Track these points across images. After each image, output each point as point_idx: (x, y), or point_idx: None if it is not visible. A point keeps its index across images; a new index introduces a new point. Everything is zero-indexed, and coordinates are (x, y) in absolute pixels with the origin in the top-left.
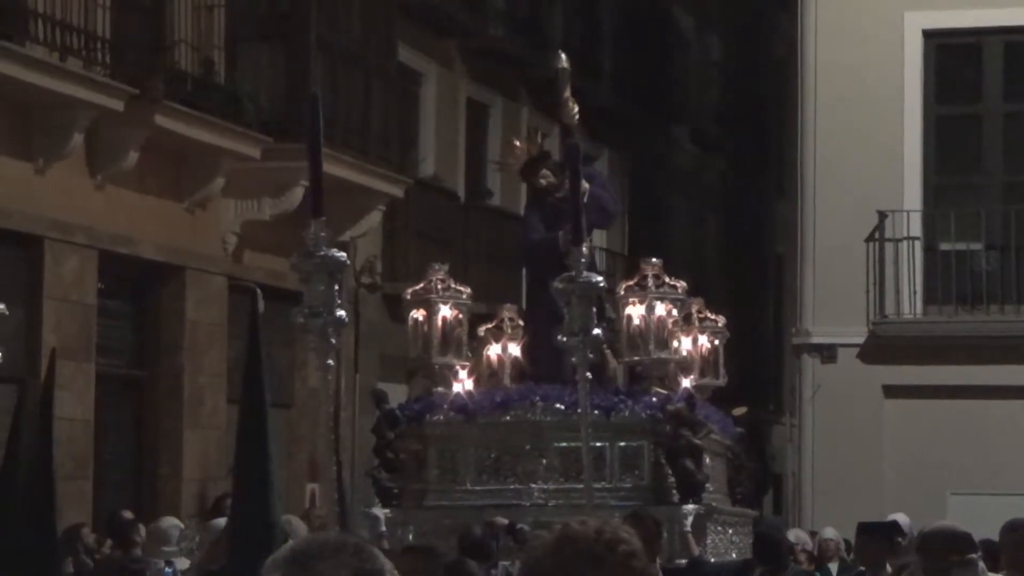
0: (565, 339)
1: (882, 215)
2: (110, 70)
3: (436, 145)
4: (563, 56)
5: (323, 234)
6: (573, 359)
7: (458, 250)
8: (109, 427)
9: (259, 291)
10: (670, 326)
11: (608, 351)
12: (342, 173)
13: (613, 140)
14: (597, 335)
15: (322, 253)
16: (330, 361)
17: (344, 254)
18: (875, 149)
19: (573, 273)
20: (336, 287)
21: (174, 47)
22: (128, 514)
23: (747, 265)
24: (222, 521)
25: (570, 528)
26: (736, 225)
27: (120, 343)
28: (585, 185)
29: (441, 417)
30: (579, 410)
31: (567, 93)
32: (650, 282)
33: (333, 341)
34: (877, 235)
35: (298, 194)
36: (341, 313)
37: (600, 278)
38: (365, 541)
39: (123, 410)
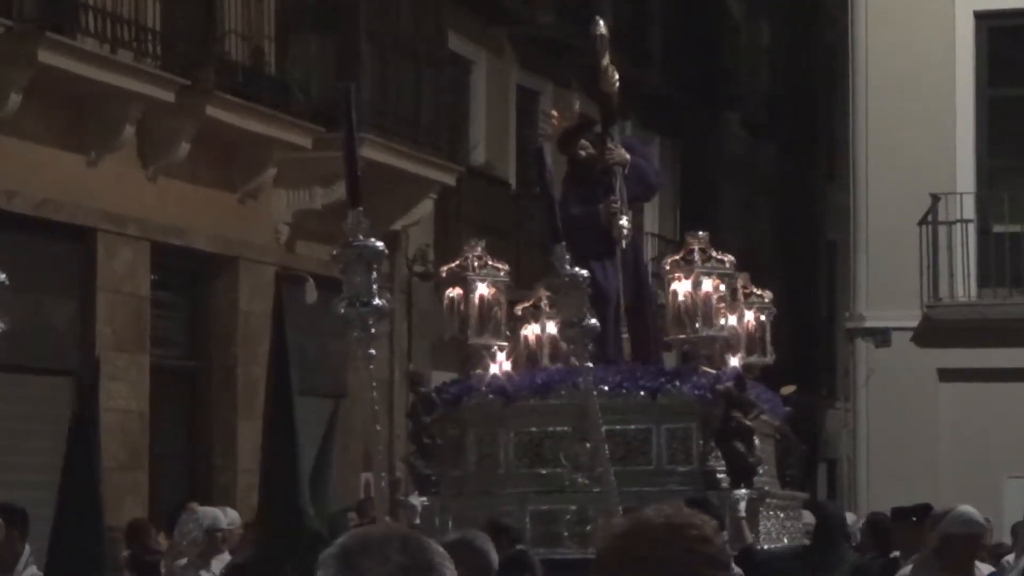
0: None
1: (935, 198)
2: (161, 61)
3: (487, 133)
4: (601, 23)
5: (361, 224)
6: (572, 348)
7: (510, 238)
8: (163, 419)
9: (311, 280)
10: (715, 302)
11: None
12: (393, 162)
13: (664, 127)
14: (593, 325)
15: (360, 243)
16: (372, 350)
17: (382, 243)
18: (927, 132)
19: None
20: (375, 276)
21: (224, 37)
22: (194, 505)
23: (799, 250)
24: (205, 510)
25: (642, 515)
26: (787, 210)
27: (173, 334)
28: (627, 156)
29: (479, 400)
30: (590, 398)
31: (606, 61)
32: (696, 256)
33: (373, 331)
34: (930, 218)
35: None
36: (381, 302)
37: (586, 273)
38: (416, 533)
39: (177, 402)
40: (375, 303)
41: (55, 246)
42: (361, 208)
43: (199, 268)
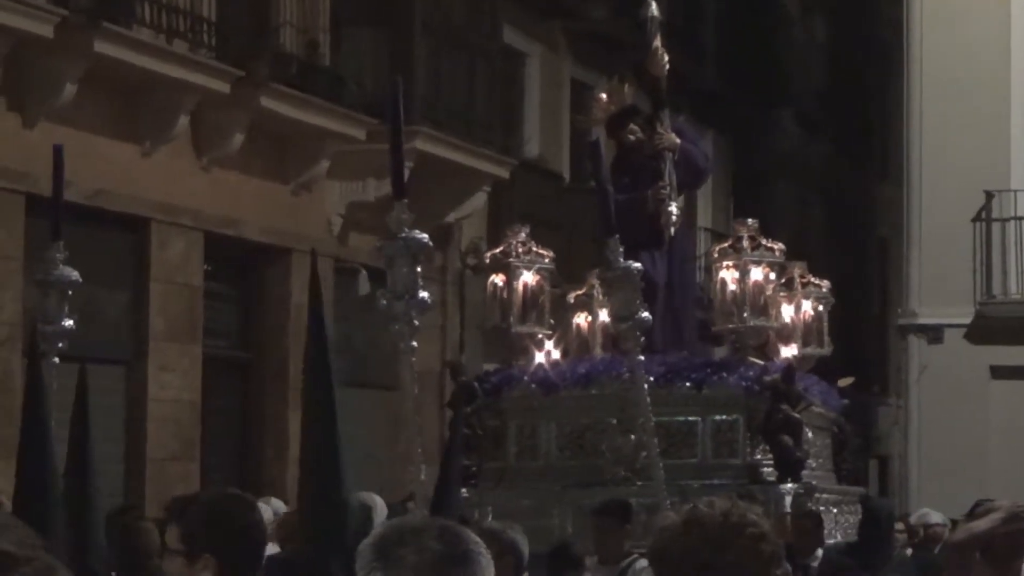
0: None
1: (989, 195)
2: (216, 52)
3: (540, 126)
4: (653, 4)
5: (405, 216)
6: (626, 343)
7: (563, 231)
8: (215, 409)
9: (364, 272)
10: (768, 291)
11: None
12: (447, 155)
13: (717, 122)
14: (645, 318)
15: (405, 235)
16: (413, 343)
17: (426, 236)
18: (981, 129)
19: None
20: (419, 269)
21: (279, 29)
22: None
23: (851, 247)
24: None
25: (697, 511)
26: (840, 207)
27: (226, 325)
28: (677, 141)
29: (521, 390)
30: (637, 396)
31: (657, 43)
32: (745, 244)
33: (416, 324)
34: (984, 215)
35: None
36: (424, 295)
37: (638, 264)
38: (454, 522)
39: (229, 392)
40: (419, 296)
41: (109, 236)
42: (406, 200)
43: (252, 259)
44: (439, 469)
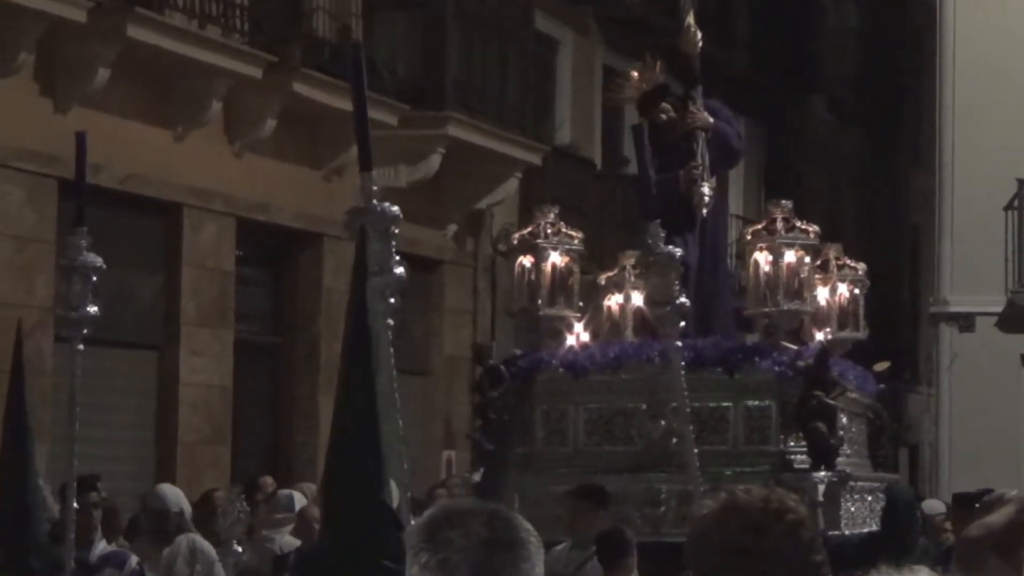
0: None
1: (1021, 183)
2: (248, 38)
3: (572, 113)
4: None
5: (375, 188)
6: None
7: (595, 217)
8: (246, 394)
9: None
10: (803, 274)
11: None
12: (479, 140)
13: (749, 109)
14: (683, 303)
15: (375, 207)
16: (390, 320)
17: (396, 207)
18: (1014, 116)
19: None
20: (393, 244)
21: (312, 14)
22: (268, 480)
23: (883, 234)
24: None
25: (735, 497)
26: (872, 194)
27: (257, 310)
28: (710, 120)
29: (549, 374)
30: (672, 379)
31: (690, 19)
32: (779, 226)
33: (392, 301)
34: (1016, 203)
35: (435, 161)
36: (399, 271)
37: (678, 250)
38: (503, 508)
39: (260, 377)
40: (394, 272)
41: (141, 221)
42: (373, 172)
43: (283, 244)
44: (493, 455)
